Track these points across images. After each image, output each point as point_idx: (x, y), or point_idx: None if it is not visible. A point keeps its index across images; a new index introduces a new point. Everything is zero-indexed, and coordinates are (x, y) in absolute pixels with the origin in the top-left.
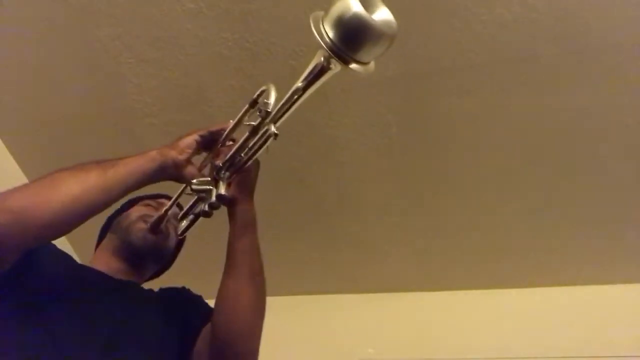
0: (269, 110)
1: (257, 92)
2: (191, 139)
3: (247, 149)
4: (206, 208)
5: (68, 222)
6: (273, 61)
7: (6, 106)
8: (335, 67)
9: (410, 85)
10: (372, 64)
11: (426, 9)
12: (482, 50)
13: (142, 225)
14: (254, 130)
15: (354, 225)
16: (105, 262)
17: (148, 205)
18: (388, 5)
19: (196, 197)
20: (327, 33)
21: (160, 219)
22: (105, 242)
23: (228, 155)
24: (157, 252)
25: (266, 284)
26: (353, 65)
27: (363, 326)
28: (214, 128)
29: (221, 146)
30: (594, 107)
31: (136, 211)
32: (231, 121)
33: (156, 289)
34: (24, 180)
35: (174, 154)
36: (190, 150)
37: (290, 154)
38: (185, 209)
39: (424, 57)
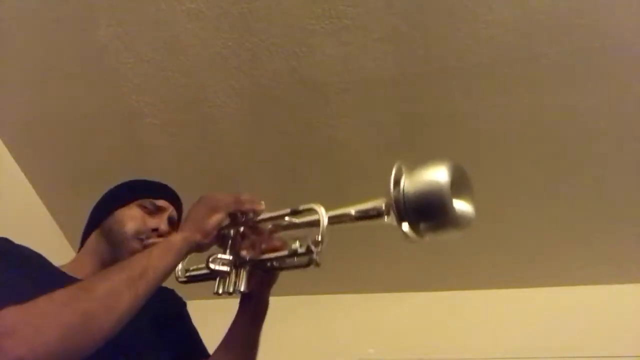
0: (315, 256)
1: (305, 207)
2: (218, 221)
3: (280, 261)
4: (220, 291)
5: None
6: (273, 61)
7: (6, 106)
8: (391, 220)
9: (410, 86)
10: (426, 239)
11: (427, 9)
12: (482, 50)
13: (137, 247)
14: (295, 254)
15: None
16: (91, 273)
17: (145, 208)
18: (388, 6)
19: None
20: (403, 189)
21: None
22: (92, 243)
23: (258, 258)
24: None
25: None
26: (408, 231)
27: (363, 326)
28: (246, 207)
29: (249, 227)
30: (594, 107)
31: (131, 217)
32: (263, 204)
33: None
34: (23, 180)
35: (199, 239)
36: (216, 232)
37: (290, 154)
38: (196, 273)
39: (424, 57)
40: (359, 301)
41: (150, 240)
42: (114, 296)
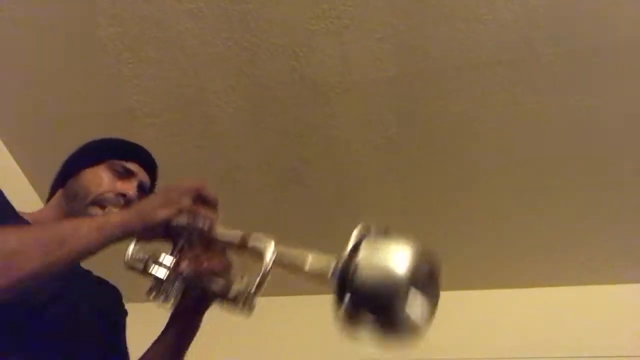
0: (247, 308)
1: (253, 244)
2: (166, 216)
3: (215, 292)
4: (151, 297)
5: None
6: (273, 61)
7: (6, 106)
8: (331, 288)
9: (410, 85)
10: (363, 335)
11: (426, 9)
12: (482, 50)
13: (98, 212)
14: (227, 293)
15: (354, 225)
16: None
17: (115, 170)
18: (388, 6)
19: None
20: (357, 264)
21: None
22: (55, 201)
23: (194, 282)
24: None
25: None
26: (344, 309)
27: None
28: (198, 216)
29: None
30: (594, 107)
31: (98, 182)
32: (218, 216)
33: (92, 272)
34: (23, 180)
35: (138, 229)
36: (158, 229)
37: (290, 154)
38: (136, 265)
39: (424, 57)
40: None
41: (114, 212)
42: (21, 254)
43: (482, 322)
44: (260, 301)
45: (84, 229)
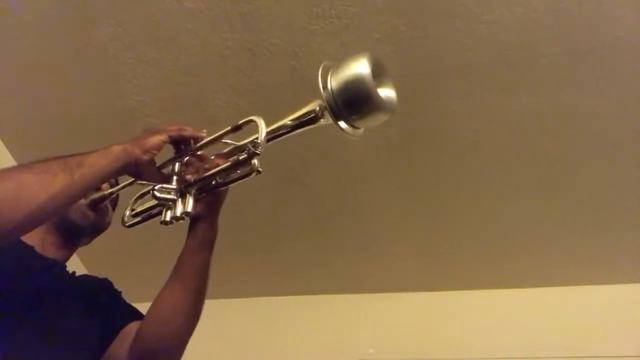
0: (258, 152)
1: (244, 120)
2: (159, 141)
3: (224, 175)
4: (167, 218)
5: (30, 227)
6: (273, 61)
7: (6, 106)
8: (327, 120)
9: (410, 85)
10: (360, 130)
11: (427, 9)
12: (482, 50)
13: (82, 201)
14: (237, 163)
15: (354, 225)
16: (38, 233)
17: None
18: (388, 6)
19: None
20: (331, 87)
21: (102, 198)
22: None
23: (203, 176)
24: (94, 229)
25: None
26: (343, 125)
27: (363, 326)
28: (187, 133)
29: (191, 155)
30: (594, 107)
31: None
32: (205, 131)
33: (78, 273)
34: None
35: (138, 154)
36: (156, 152)
37: (290, 154)
38: (142, 208)
39: (424, 57)
40: (359, 301)
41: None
42: (49, 174)
43: (482, 322)
44: (259, 301)
45: (91, 156)
